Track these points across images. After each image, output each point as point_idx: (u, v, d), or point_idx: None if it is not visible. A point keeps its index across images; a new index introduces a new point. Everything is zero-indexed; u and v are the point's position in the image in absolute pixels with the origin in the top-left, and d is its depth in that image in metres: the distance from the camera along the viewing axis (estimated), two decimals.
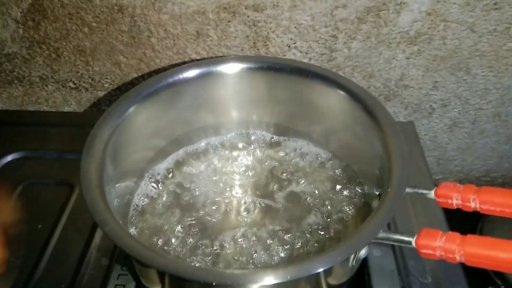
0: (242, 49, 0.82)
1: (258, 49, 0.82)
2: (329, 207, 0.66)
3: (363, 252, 0.49)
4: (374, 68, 0.84)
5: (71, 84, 0.90)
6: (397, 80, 0.85)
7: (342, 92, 0.63)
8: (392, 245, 0.67)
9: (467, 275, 0.65)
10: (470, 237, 0.44)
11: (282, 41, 0.80)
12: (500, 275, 0.82)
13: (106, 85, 0.89)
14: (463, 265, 0.66)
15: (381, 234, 0.46)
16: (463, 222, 0.69)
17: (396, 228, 0.68)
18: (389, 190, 0.48)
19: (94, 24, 0.80)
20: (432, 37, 0.79)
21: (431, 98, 0.88)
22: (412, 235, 0.47)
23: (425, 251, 0.46)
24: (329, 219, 0.64)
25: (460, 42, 0.79)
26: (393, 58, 0.82)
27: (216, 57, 0.83)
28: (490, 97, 0.87)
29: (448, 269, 0.65)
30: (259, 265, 0.59)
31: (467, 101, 0.88)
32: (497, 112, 0.90)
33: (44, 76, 0.89)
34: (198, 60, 0.83)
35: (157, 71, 0.86)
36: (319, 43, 0.80)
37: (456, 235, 0.45)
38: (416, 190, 0.50)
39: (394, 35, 0.79)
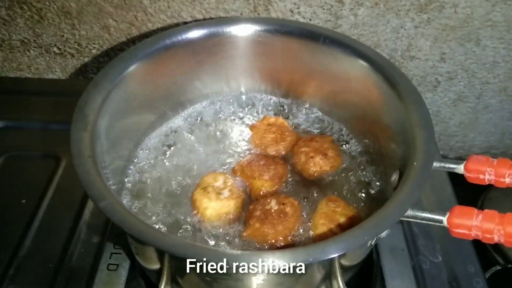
0: (241, 13, 0.76)
1: (258, 14, 0.76)
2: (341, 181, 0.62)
3: (385, 232, 0.45)
4: (381, 37, 0.79)
5: (55, 49, 0.84)
6: (403, 50, 0.81)
7: (360, 60, 0.58)
8: (402, 224, 0.64)
9: None
10: (510, 216, 0.40)
11: (284, 6, 0.75)
12: (503, 254, 0.80)
13: (93, 50, 0.83)
14: (473, 244, 0.64)
15: (409, 212, 0.42)
16: (461, 201, 0.66)
17: None
18: (415, 164, 0.44)
19: None
20: (444, 4, 0.74)
21: (438, 70, 0.84)
22: (443, 214, 0.42)
23: (458, 230, 0.41)
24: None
25: (472, 11, 0.75)
26: (401, 27, 0.77)
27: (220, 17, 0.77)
28: (498, 70, 0.84)
29: (459, 248, 0.63)
30: None
31: (474, 74, 0.84)
32: (504, 87, 0.86)
33: (25, 40, 0.83)
34: None
35: (149, 36, 0.79)
36: (324, 9, 0.75)
37: (494, 213, 0.41)
38: (443, 164, 0.46)
39: (404, 2, 0.74)
